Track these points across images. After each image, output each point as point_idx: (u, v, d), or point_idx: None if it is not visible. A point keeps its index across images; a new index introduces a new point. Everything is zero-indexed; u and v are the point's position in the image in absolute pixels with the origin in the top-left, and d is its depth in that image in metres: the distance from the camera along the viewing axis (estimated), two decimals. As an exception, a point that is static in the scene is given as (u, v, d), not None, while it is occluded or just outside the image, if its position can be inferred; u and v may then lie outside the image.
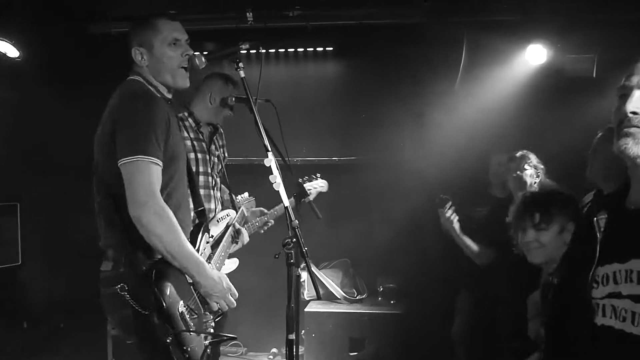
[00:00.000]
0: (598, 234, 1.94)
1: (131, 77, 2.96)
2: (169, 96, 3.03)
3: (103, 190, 2.84)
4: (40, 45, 5.33)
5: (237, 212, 3.90)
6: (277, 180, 3.06)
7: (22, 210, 5.73)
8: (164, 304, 2.66)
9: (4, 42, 5.05)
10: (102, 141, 2.83)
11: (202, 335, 2.87)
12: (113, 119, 2.78)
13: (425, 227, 5.41)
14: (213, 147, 4.36)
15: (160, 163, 2.73)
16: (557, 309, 2.20)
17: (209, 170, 4.23)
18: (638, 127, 1.84)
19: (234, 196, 4.28)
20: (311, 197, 4.07)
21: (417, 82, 5.47)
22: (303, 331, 5.29)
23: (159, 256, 2.76)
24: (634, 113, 1.85)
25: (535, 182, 4.60)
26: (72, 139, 5.15)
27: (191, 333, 2.75)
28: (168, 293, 2.69)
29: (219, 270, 3.16)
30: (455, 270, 5.17)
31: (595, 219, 1.96)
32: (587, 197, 3.89)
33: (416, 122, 5.53)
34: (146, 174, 2.67)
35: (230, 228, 3.57)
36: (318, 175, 4.54)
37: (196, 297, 2.87)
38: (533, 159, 4.64)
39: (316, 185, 4.52)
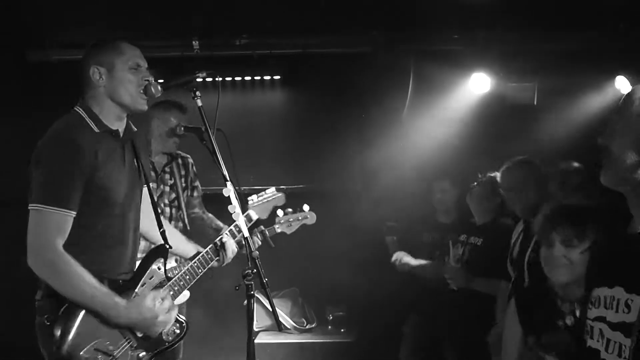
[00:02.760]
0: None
1: (74, 109, 2.88)
2: (117, 127, 2.94)
3: None
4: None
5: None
6: (236, 210, 3.03)
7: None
8: (55, 348, 2.64)
9: None
10: (29, 175, 2.78)
11: None
12: (35, 157, 2.73)
13: (372, 254, 5.45)
14: (167, 176, 4.28)
15: (68, 212, 2.67)
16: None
17: (156, 200, 4.14)
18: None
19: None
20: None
21: (365, 110, 5.53)
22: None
23: None
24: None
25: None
26: (7, 170, 4.96)
27: None
28: (70, 334, 2.66)
29: (174, 297, 3.04)
30: (404, 296, 5.22)
31: None
32: (518, 226, 4.05)
33: (363, 150, 5.57)
34: (42, 223, 2.65)
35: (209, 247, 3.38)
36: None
37: (120, 335, 2.80)
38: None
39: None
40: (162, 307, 2.86)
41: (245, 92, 5.96)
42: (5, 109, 5.25)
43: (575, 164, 4.27)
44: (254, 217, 3.65)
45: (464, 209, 4.82)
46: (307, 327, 5.56)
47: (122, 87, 2.86)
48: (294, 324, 5.51)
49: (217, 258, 3.24)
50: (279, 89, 5.96)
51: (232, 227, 3.35)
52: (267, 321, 5.50)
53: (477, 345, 4.22)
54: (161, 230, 3.12)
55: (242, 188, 5.26)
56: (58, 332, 2.65)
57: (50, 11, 4.87)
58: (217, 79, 3.13)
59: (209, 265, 3.21)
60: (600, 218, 2.76)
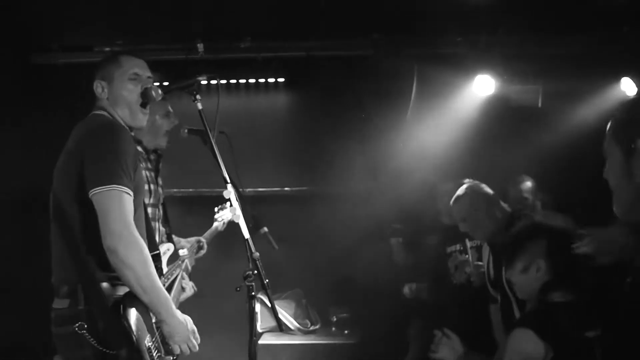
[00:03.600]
0: None
1: (95, 112, 2.92)
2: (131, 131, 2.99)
3: (60, 221, 2.75)
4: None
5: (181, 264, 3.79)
6: (236, 212, 3.05)
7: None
8: (134, 339, 2.57)
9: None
10: (63, 172, 2.76)
11: None
12: (80, 150, 2.70)
13: (377, 256, 5.45)
14: (160, 178, 4.30)
15: (132, 194, 2.66)
16: None
17: (157, 202, 4.13)
18: None
19: (172, 236, 4.22)
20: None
21: (367, 113, 5.54)
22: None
23: (121, 292, 2.67)
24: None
25: None
26: (14, 171, 5.01)
27: None
28: (137, 327, 2.60)
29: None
30: (408, 299, 5.22)
31: None
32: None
33: (366, 153, 5.58)
34: (121, 204, 2.59)
35: (180, 274, 3.46)
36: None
37: (157, 337, 2.76)
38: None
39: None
40: (196, 335, 2.88)
41: (249, 94, 5.99)
42: (10, 111, 5.29)
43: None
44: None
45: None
46: (310, 328, 5.57)
47: (121, 98, 2.91)
48: (298, 325, 5.52)
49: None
50: (283, 92, 5.99)
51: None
52: (271, 322, 5.50)
53: (483, 349, 4.22)
54: (156, 252, 3.07)
55: (247, 190, 5.36)
56: (128, 327, 2.57)
57: (55, 14, 4.89)
58: (217, 81, 3.13)
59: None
60: (532, 238, 3.07)
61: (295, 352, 5.24)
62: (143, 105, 2.95)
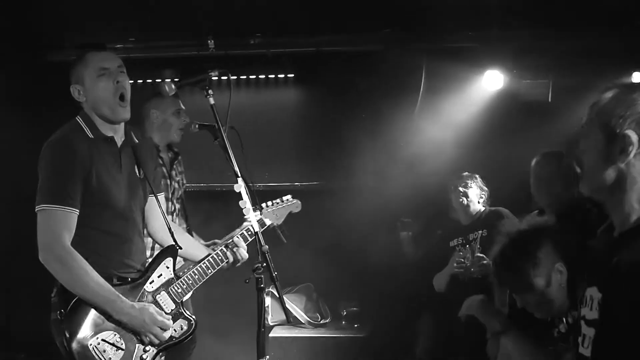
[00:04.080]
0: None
1: (76, 118, 3.03)
2: (112, 135, 3.03)
3: None
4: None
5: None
6: (246, 205, 3.09)
7: (-23, 241, 5.62)
8: (65, 340, 2.78)
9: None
10: None
11: None
12: (39, 163, 2.92)
13: (386, 250, 5.48)
14: (174, 172, 4.36)
15: (72, 210, 2.84)
16: None
17: (169, 196, 4.25)
18: None
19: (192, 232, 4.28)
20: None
21: (376, 108, 5.56)
22: (267, 357, 5.25)
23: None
24: None
25: (479, 202, 4.74)
26: (29, 167, 5.08)
27: None
28: (78, 327, 2.82)
29: (180, 296, 3.13)
30: (417, 293, 5.25)
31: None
32: (530, 217, 4.01)
33: (376, 148, 5.60)
34: (50, 221, 2.82)
35: (219, 249, 3.42)
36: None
37: (126, 331, 2.92)
38: (479, 180, 4.79)
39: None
40: (161, 319, 2.94)
41: (259, 90, 6.04)
42: (27, 108, 5.37)
43: None
44: (267, 222, 3.62)
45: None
46: (321, 322, 5.63)
47: (98, 97, 2.96)
48: (308, 319, 5.58)
49: (227, 260, 3.29)
50: (292, 87, 6.03)
51: (243, 230, 3.39)
52: (282, 316, 5.55)
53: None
54: (171, 231, 3.21)
55: (257, 185, 5.41)
56: (67, 325, 2.80)
57: (70, 12, 4.96)
58: (229, 77, 3.17)
59: (219, 267, 3.26)
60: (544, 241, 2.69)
61: (305, 345, 5.30)
62: (121, 98, 2.98)
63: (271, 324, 5.41)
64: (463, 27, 5.25)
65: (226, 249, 3.29)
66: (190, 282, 3.17)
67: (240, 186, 3.01)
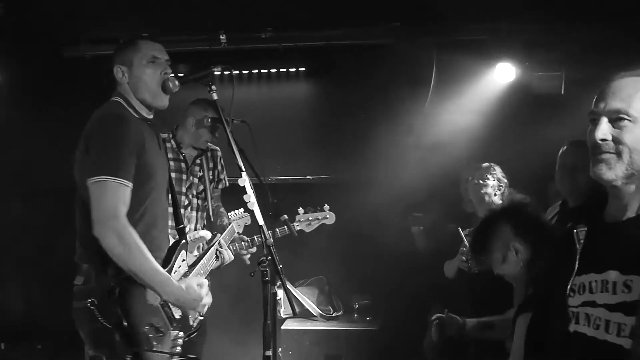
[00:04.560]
0: (578, 246, 2.02)
1: (112, 99, 3.05)
2: (149, 116, 3.10)
3: (79, 207, 2.92)
4: (16, 69, 5.40)
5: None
6: (251, 199, 3.13)
7: (-4, 231, 5.73)
8: (124, 322, 2.73)
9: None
10: (78, 160, 2.92)
11: (167, 355, 2.92)
12: (86, 137, 2.87)
13: (398, 244, 5.49)
14: (197, 168, 4.43)
15: (128, 183, 2.79)
16: (536, 318, 2.25)
17: (183, 190, 4.35)
18: (609, 152, 1.93)
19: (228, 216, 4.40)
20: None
21: (387, 101, 5.56)
22: (280, 349, 5.31)
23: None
24: (603, 140, 1.93)
25: (496, 194, 4.72)
26: (46, 161, 5.17)
27: (156, 352, 2.81)
28: (131, 311, 2.77)
29: None
30: (429, 285, 5.25)
31: (575, 231, 2.05)
32: (552, 209, 3.99)
33: (387, 141, 5.60)
34: (110, 194, 2.75)
35: (215, 246, 3.57)
36: None
37: (164, 315, 2.94)
38: (498, 171, 4.76)
39: None
40: (204, 290, 3.02)
41: (270, 84, 6.07)
42: (43, 103, 5.46)
43: None
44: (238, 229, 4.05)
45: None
46: (333, 314, 5.65)
47: (142, 82, 3.01)
48: (320, 312, 5.60)
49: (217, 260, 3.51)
50: (304, 81, 6.04)
51: (222, 236, 3.64)
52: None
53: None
54: (180, 227, 3.27)
55: (270, 179, 5.45)
56: (119, 311, 2.75)
57: (83, 8, 5.03)
58: (231, 72, 3.21)
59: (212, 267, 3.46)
60: (498, 226, 3.08)
61: (317, 338, 5.32)
62: (163, 89, 3.04)
63: (283, 316, 5.45)
64: (474, 19, 5.22)
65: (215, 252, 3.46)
66: (202, 272, 3.32)
67: (244, 180, 3.04)
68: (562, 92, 5.26)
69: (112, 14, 5.17)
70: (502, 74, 5.34)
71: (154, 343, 2.83)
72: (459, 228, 4.82)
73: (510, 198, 4.61)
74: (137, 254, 2.76)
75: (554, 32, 5.16)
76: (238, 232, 4.29)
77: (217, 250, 3.49)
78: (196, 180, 4.45)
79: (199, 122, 4.34)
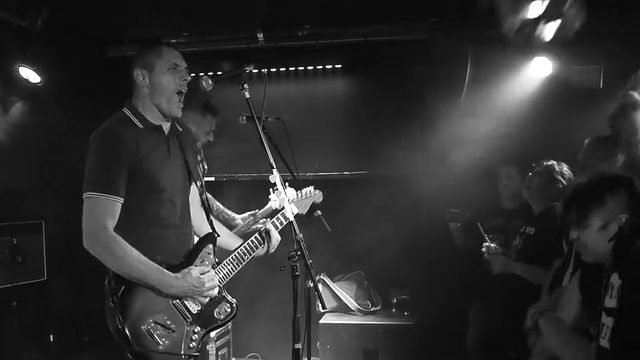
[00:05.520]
0: None
1: (122, 109, 3.18)
2: (161, 123, 3.19)
3: None
4: (61, 69, 5.55)
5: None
6: (282, 195, 3.21)
7: (46, 227, 5.93)
8: (119, 324, 2.90)
9: (26, 68, 5.27)
10: None
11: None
12: (87, 152, 3.04)
13: (436, 239, 5.49)
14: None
15: (115, 197, 2.96)
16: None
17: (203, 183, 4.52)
18: None
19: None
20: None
21: (423, 97, 5.55)
22: (318, 342, 5.38)
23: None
24: None
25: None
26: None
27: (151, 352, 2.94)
28: (130, 310, 2.93)
29: (222, 281, 3.28)
30: (467, 281, 5.24)
31: None
32: None
33: (424, 137, 5.60)
34: (94, 209, 2.95)
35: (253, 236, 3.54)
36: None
37: (175, 311, 3.06)
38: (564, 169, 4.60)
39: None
40: (208, 274, 3.14)
41: (307, 81, 6.13)
42: (87, 101, 5.63)
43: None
44: (295, 211, 3.74)
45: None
46: (371, 309, 5.69)
47: (161, 87, 3.12)
48: (358, 306, 5.65)
49: (263, 245, 3.46)
50: (340, 78, 6.08)
51: (274, 219, 3.56)
52: (332, 303, 5.68)
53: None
54: (209, 220, 3.38)
55: (308, 174, 5.53)
56: (119, 311, 2.92)
57: (126, 9, 5.16)
58: (263, 70, 3.28)
59: (255, 253, 3.43)
60: (612, 192, 2.64)
61: (355, 332, 5.37)
62: (179, 94, 3.15)
63: (321, 310, 5.50)
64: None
65: (260, 236, 3.45)
66: (230, 267, 3.34)
67: (275, 177, 3.13)
68: (601, 85, 5.18)
69: (154, 14, 5.31)
70: (539, 68, 5.27)
71: (161, 340, 2.96)
72: (478, 223, 4.82)
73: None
74: (125, 259, 2.93)
75: (591, 24, 5.06)
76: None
77: (260, 235, 3.49)
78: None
79: (200, 128, 4.67)
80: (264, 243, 3.47)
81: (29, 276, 5.76)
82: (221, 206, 5.07)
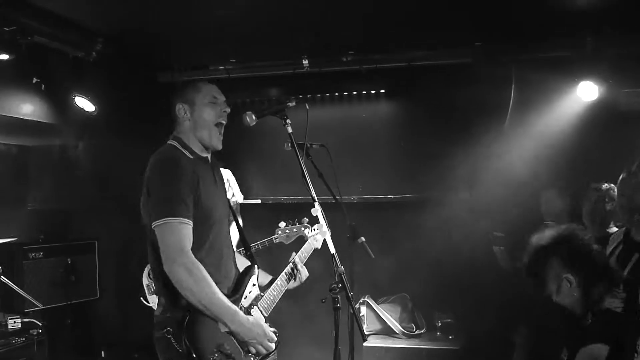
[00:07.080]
0: None
1: (168, 142, 3.27)
2: (206, 155, 3.30)
3: (150, 246, 3.14)
4: (113, 95, 5.74)
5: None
6: (323, 228, 3.28)
7: (100, 247, 6.15)
8: (192, 354, 2.91)
9: (81, 98, 5.48)
10: (143, 204, 3.15)
11: None
12: (147, 183, 3.09)
13: (481, 262, 5.46)
14: None
15: (188, 221, 3.00)
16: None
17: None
18: None
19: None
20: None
21: (467, 121, 5.55)
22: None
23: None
24: None
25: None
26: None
27: None
28: (199, 339, 2.95)
29: (267, 311, 3.35)
30: (513, 306, 5.20)
31: None
32: (615, 237, 3.84)
33: (467, 160, 5.59)
34: (174, 234, 2.97)
35: (288, 266, 3.69)
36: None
37: (234, 342, 3.09)
38: (593, 191, 4.63)
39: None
40: (270, 332, 3.20)
41: (351, 105, 6.20)
42: (138, 126, 5.80)
43: None
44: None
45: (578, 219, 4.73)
46: (415, 332, 5.68)
47: (202, 120, 3.24)
48: (402, 329, 5.65)
49: (294, 278, 3.58)
50: (384, 102, 6.13)
51: (299, 252, 3.72)
52: (377, 325, 5.70)
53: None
54: (248, 253, 3.48)
55: (352, 198, 5.59)
56: (187, 342, 2.93)
57: (177, 37, 5.32)
58: (306, 104, 3.36)
59: (287, 285, 3.54)
60: (545, 259, 3.11)
61: (399, 355, 5.37)
62: (219, 126, 3.26)
63: (366, 333, 5.53)
64: (555, 36, 5.13)
65: (291, 270, 3.57)
66: (272, 297, 3.42)
67: (317, 210, 3.19)
68: (650, 109, 5.09)
69: (204, 43, 5.46)
70: (585, 92, 5.18)
71: None
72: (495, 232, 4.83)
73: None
74: (205, 286, 2.97)
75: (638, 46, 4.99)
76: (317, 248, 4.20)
77: (292, 269, 3.59)
78: None
79: None
80: (294, 276, 3.59)
81: (83, 294, 5.98)
82: None
